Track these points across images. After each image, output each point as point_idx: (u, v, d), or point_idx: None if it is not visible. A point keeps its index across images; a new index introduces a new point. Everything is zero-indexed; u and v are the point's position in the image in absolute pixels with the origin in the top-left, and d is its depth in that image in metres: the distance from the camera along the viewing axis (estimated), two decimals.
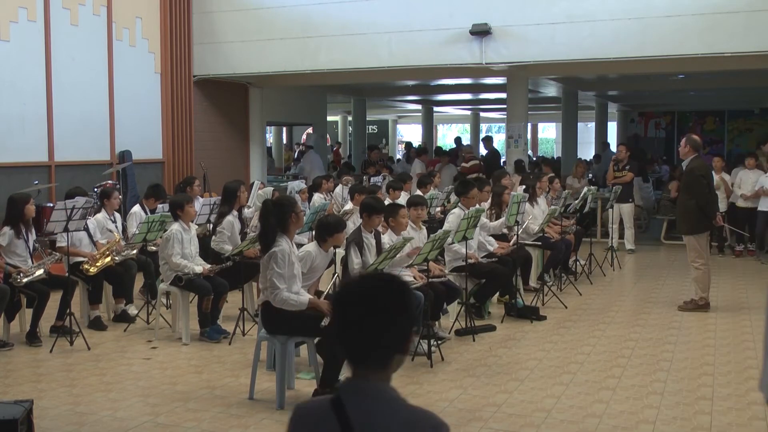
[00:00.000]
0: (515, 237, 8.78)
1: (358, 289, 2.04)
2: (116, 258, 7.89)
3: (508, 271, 8.12)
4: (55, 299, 7.30)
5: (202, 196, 10.05)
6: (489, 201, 9.39)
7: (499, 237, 9.03)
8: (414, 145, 23.37)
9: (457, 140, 21.55)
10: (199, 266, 7.30)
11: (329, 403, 2.01)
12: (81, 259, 7.72)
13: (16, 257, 7.20)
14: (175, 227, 7.27)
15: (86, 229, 7.85)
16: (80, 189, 8.54)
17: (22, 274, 7.00)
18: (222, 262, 7.52)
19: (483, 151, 20.19)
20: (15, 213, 7.27)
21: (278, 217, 5.54)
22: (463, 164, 15.54)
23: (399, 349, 2.03)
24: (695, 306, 8.35)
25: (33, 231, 7.51)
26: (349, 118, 25.47)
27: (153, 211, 8.70)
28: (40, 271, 7.15)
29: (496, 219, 9.02)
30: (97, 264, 7.70)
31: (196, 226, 8.03)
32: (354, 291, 2.03)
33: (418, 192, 11.22)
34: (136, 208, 8.92)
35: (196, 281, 7.17)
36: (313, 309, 5.46)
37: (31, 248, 7.38)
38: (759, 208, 11.90)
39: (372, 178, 14.51)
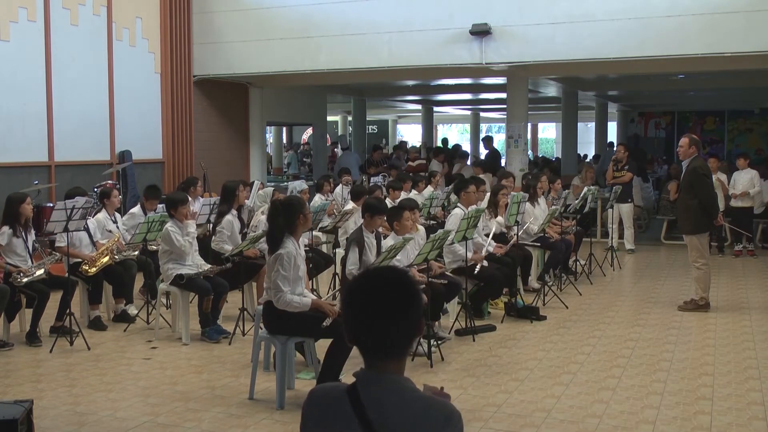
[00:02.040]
0: (515, 237, 8.79)
1: (369, 284, 2.07)
2: (116, 257, 7.89)
3: (506, 276, 8.13)
4: (55, 299, 7.30)
5: (202, 197, 10.05)
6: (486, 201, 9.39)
7: (498, 237, 9.03)
8: (410, 145, 23.43)
9: (444, 141, 21.71)
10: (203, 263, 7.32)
11: (344, 391, 2.04)
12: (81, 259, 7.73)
13: (15, 257, 7.20)
14: (168, 225, 7.31)
15: (86, 229, 7.85)
16: (80, 189, 8.54)
17: (22, 274, 7.00)
18: (222, 262, 7.53)
19: (483, 150, 20.24)
20: (11, 212, 7.27)
21: (286, 218, 5.54)
22: (410, 163, 15.79)
23: (414, 335, 2.08)
24: (695, 306, 8.34)
25: (32, 231, 7.51)
26: (349, 118, 25.46)
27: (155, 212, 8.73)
28: (41, 271, 7.16)
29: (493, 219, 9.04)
30: (96, 264, 7.70)
31: (191, 222, 8.01)
32: (366, 287, 2.06)
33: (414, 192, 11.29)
34: (136, 209, 8.91)
35: (196, 281, 7.18)
36: (316, 310, 5.46)
37: (30, 248, 7.38)
38: None
39: (372, 178, 14.52)
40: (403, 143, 24.72)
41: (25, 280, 7.01)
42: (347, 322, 2.08)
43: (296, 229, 5.59)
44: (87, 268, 7.64)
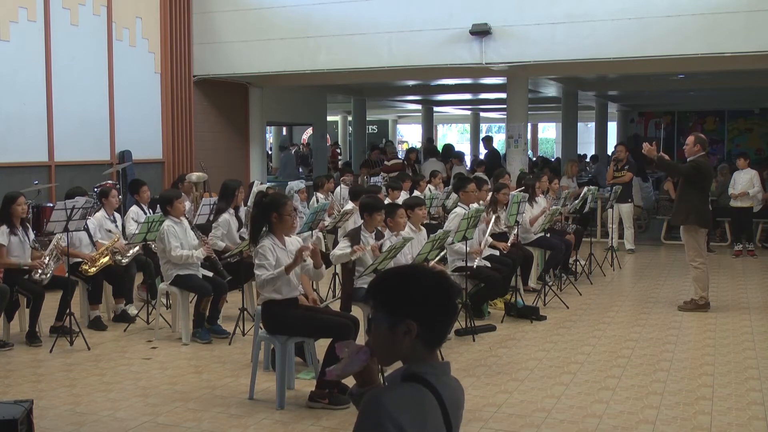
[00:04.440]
0: (514, 236, 8.79)
1: (444, 280, 2.22)
2: (123, 261, 7.90)
3: (504, 278, 8.13)
4: (55, 299, 7.30)
5: (202, 196, 10.05)
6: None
7: (499, 236, 9.03)
8: (410, 145, 23.40)
9: (429, 140, 21.72)
10: (200, 251, 7.30)
11: (422, 387, 2.14)
12: (81, 259, 7.72)
13: (14, 257, 7.19)
14: (166, 223, 7.28)
15: (86, 229, 7.85)
16: (80, 189, 8.53)
17: (40, 272, 7.06)
18: (221, 260, 7.54)
19: (483, 150, 20.24)
20: (4, 211, 7.25)
21: (261, 214, 5.52)
22: (386, 163, 15.83)
23: None
24: (695, 306, 8.35)
25: (30, 230, 7.49)
26: (349, 118, 25.45)
27: (151, 205, 8.75)
28: (53, 263, 7.22)
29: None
30: (96, 264, 7.70)
31: (186, 218, 8.00)
32: (442, 282, 2.21)
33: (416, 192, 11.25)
34: (134, 208, 8.89)
35: (196, 281, 7.17)
36: (292, 268, 5.38)
37: (29, 249, 7.35)
38: None
39: (372, 178, 14.51)
40: (389, 143, 24.53)
41: (48, 274, 7.12)
42: (441, 318, 2.19)
43: (273, 228, 5.55)
44: (87, 268, 7.64)
